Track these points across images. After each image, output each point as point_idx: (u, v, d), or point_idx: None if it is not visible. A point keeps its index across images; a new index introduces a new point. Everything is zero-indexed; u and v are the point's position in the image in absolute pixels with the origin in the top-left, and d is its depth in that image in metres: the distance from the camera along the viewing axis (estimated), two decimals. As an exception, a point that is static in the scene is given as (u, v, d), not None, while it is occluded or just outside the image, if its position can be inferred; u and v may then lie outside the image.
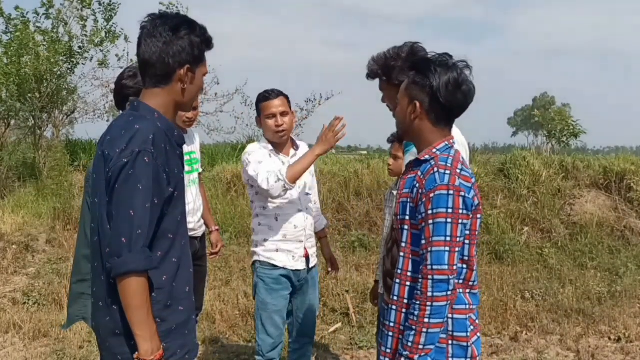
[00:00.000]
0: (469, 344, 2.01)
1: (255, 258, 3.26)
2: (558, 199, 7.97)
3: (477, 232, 2.04)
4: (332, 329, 5.03)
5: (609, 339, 4.98)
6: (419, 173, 2.04)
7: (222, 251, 4.02)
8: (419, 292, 1.94)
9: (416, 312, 1.93)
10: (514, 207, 7.76)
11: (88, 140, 10.80)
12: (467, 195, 1.95)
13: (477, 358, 2.04)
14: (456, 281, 1.97)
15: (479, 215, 2.04)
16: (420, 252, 1.98)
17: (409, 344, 1.94)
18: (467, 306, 2.03)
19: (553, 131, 11.73)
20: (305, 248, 3.25)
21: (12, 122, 9.84)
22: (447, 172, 1.96)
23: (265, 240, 3.20)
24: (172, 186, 1.85)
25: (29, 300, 5.52)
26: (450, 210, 1.92)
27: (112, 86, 10.01)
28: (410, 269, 2.03)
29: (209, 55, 1.97)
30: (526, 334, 5.06)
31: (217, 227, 3.91)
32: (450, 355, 1.99)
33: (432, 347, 1.94)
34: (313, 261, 3.32)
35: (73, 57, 9.47)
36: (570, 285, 6.09)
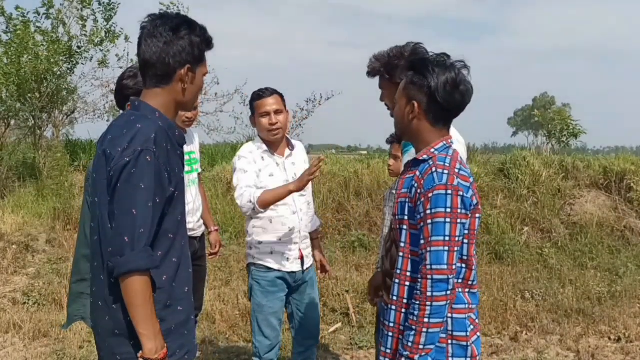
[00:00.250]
0: (469, 343, 2.01)
1: (250, 260, 3.24)
2: (558, 199, 7.98)
3: (476, 232, 2.04)
4: (332, 329, 5.03)
5: (609, 339, 4.98)
6: (418, 173, 2.04)
7: (221, 251, 4.02)
8: (418, 292, 1.94)
9: (416, 312, 1.93)
10: (514, 207, 7.76)
11: (88, 140, 10.82)
12: (465, 194, 1.96)
13: (477, 357, 2.04)
14: (455, 281, 1.97)
15: (477, 215, 2.04)
16: (419, 252, 1.98)
17: (409, 344, 1.94)
18: (467, 306, 2.03)
19: (553, 131, 11.72)
20: (299, 249, 3.23)
21: (12, 122, 9.85)
22: (446, 171, 1.96)
23: (260, 242, 3.18)
24: (172, 186, 1.85)
25: (29, 300, 5.52)
26: (448, 210, 1.92)
27: (112, 86, 10.06)
28: (409, 268, 2.03)
29: (209, 55, 1.97)
30: (526, 334, 5.06)
31: (216, 228, 3.90)
32: (450, 354, 1.99)
33: (432, 346, 1.94)
34: (308, 262, 3.31)
35: (73, 57, 9.48)
36: (570, 285, 6.09)
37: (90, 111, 10.81)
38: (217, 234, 3.87)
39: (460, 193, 1.94)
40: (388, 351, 2.08)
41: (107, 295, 1.84)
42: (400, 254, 2.06)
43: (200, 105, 10.17)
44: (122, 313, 1.81)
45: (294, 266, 3.21)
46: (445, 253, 1.91)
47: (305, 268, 3.27)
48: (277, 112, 3.16)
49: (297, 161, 3.30)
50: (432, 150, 2.06)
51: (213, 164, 9.64)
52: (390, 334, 2.07)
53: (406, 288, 2.02)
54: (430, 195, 1.94)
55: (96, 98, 12.29)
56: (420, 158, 2.07)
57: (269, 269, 3.17)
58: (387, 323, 2.09)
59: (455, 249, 1.94)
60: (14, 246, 6.51)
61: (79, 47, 9.53)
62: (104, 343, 1.90)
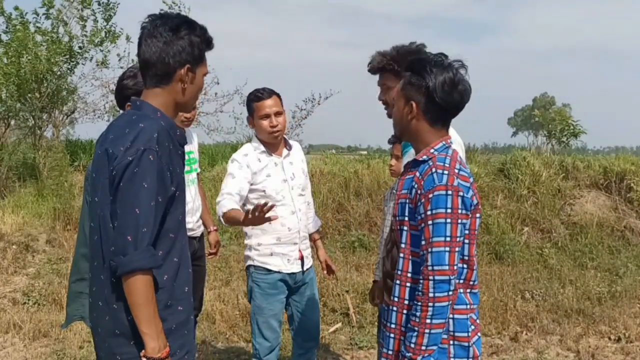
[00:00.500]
0: (470, 344, 2.01)
1: (250, 263, 3.21)
2: (558, 199, 7.98)
3: (476, 232, 2.04)
4: (332, 329, 5.03)
5: (609, 339, 4.98)
6: (417, 174, 2.03)
7: (221, 251, 4.00)
8: (420, 293, 1.94)
9: (418, 313, 1.93)
10: (514, 207, 7.76)
11: (88, 140, 10.81)
12: (465, 195, 1.95)
13: (479, 358, 2.04)
14: (457, 281, 1.97)
15: (478, 215, 2.04)
16: (420, 253, 1.98)
17: (412, 345, 1.94)
18: (468, 306, 2.03)
19: (553, 131, 11.71)
20: (299, 250, 3.21)
21: (12, 122, 9.84)
22: (445, 172, 1.96)
23: (259, 244, 3.16)
24: (174, 185, 1.85)
25: (29, 300, 5.52)
26: (449, 211, 1.92)
27: (112, 86, 10.05)
28: (410, 269, 2.03)
29: (209, 55, 1.97)
30: (526, 334, 5.06)
31: (215, 228, 3.88)
32: (452, 355, 1.99)
33: (434, 347, 1.94)
34: (308, 263, 3.29)
35: (73, 57, 9.48)
36: (570, 285, 6.09)
37: (90, 111, 10.80)
38: (216, 234, 3.86)
39: (461, 193, 1.94)
40: (390, 352, 2.07)
41: (107, 294, 1.84)
42: (401, 255, 2.05)
43: (200, 105, 10.19)
44: (122, 313, 1.81)
45: (294, 267, 3.19)
46: (447, 254, 1.91)
47: (305, 269, 3.26)
48: (277, 114, 3.14)
49: (294, 161, 3.29)
50: (432, 150, 2.06)
51: (213, 164, 9.64)
52: (392, 335, 2.07)
53: (407, 289, 2.02)
54: (430, 196, 1.94)
55: (96, 98, 12.28)
56: (420, 159, 2.07)
57: (269, 271, 3.15)
58: (388, 324, 2.09)
59: (457, 249, 1.93)
60: (14, 246, 6.51)
61: (80, 48, 9.53)
62: (103, 343, 1.90)
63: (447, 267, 1.91)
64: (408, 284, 2.02)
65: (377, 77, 2.77)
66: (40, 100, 9.15)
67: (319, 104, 10.38)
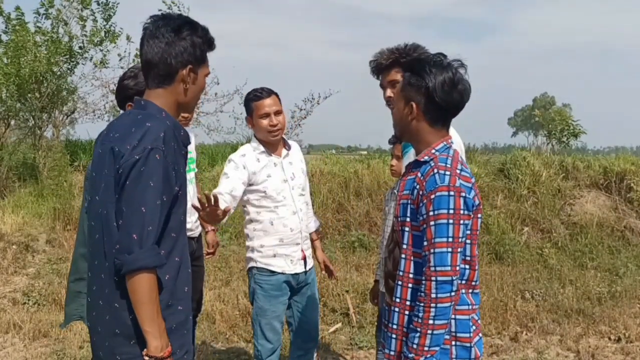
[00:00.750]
0: (472, 344, 2.01)
1: (252, 264, 3.19)
2: (558, 199, 7.98)
3: (477, 232, 2.04)
4: (332, 329, 5.03)
5: (609, 339, 4.98)
6: (419, 174, 2.03)
7: (219, 251, 3.99)
8: (422, 293, 1.93)
9: (420, 314, 1.93)
10: (514, 207, 7.76)
11: (88, 140, 10.79)
12: (467, 195, 1.95)
13: (480, 358, 2.04)
14: (459, 282, 1.97)
15: (479, 215, 2.04)
16: (422, 254, 1.98)
17: (414, 346, 1.94)
18: (470, 306, 2.03)
19: (553, 131, 11.70)
20: (302, 250, 3.21)
21: (12, 122, 9.84)
22: (447, 172, 1.96)
23: (262, 245, 3.14)
24: (178, 185, 1.86)
25: (29, 300, 5.52)
26: (451, 211, 1.92)
27: (112, 86, 10.04)
28: (412, 270, 2.02)
29: (210, 56, 1.98)
30: (526, 334, 5.06)
31: (213, 228, 3.87)
32: (454, 356, 2.00)
33: (437, 348, 1.95)
34: (310, 263, 3.28)
35: (73, 57, 9.48)
36: (570, 285, 6.09)
37: (90, 111, 10.78)
38: (213, 234, 3.85)
39: (463, 194, 1.94)
40: (392, 353, 2.07)
41: (108, 294, 1.84)
42: (403, 255, 2.05)
43: (200, 105, 10.18)
44: (123, 312, 1.81)
45: (297, 268, 3.19)
46: (449, 254, 1.91)
47: (307, 269, 3.25)
48: (276, 113, 3.14)
49: (294, 160, 3.28)
50: (433, 151, 2.06)
51: (213, 164, 9.63)
52: (394, 336, 2.07)
53: (409, 290, 2.02)
54: (432, 196, 1.94)
55: (96, 98, 12.26)
56: (422, 159, 2.07)
57: (273, 272, 3.14)
58: (390, 325, 2.09)
59: (459, 250, 1.93)
60: (14, 246, 6.51)
61: (80, 48, 9.53)
62: (103, 342, 1.89)
63: (449, 268, 1.91)
64: (410, 285, 2.02)
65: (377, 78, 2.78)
66: (40, 100, 9.15)
67: (318, 104, 10.37)
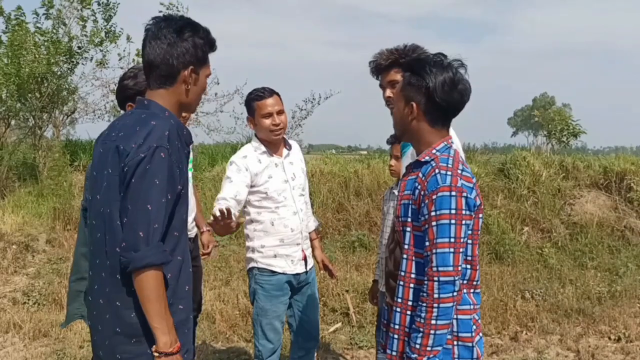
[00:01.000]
0: (474, 344, 2.02)
1: (253, 265, 3.19)
2: (558, 199, 7.97)
3: (479, 232, 2.04)
4: (332, 329, 5.03)
5: (609, 338, 4.98)
6: (420, 175, 2.03)
7: (218, 251, 3.97)
8: (424, 294, 1.94)
9: (423, 314, 1.93)
10: (514, 207, 7.76)
11: (88, 140, 10.80)
12: (469, 195, 1.96)
13: (481, 358, 2.05)
14: (461, 282, 1.97)
15: (480, 215, 2.04)
16: (423, 254, 1.98)
17: (417, 346, 1.94)
18: (471, 306, 2.03)
19: (553, 131, 11.71)
20: (302, 250, 3.21)
21: (12, 122, 9.85)
22: (449, 173, 1.96)
23: (263, 246, 3.14)
24: (181, 184, 1.87)
25: (29, 300, 5.52)
26: (453, 212, 1.92)
27: (112, 86, 10.04)
28: (413, 270, 2.02)
29: (211, 56, 1.99)
30: (526, 333, 5.06)
31: (208, 228, 3.86)
32: (456, 356, 2.00)
33: (439, 348, 1.95)
34: (311, 262, 3.29)
35: (73, 57, 9.48)
36: (570, 285, 6.09)
37: (90, 111, 10.79)
38: (209, 234, 3.83)
39: (464, 194, 1.94)
40: (394, 354, 2.07)
41: (109, 292, 1.85)
42: (404, 255, 2.05)
43: (199, 105, 10.16)
44: (124, 311, 1.82)
45: (298, 267, 3.19)
46: (451, 255, 1.91)
47: (308, 269, 3.26)
48: (279, 112, 3.13)
49: (294, 161, 3.28)
50: (434, 151, 2.06)
51: (213, 164, 9.64)
52: (396, 336, 2.07)
53: (411, 290, 2.02)
54: (434, 197, 1.94)
55: (96, 98, 12.26)
56: (422, 159, 2.07)
57: (273, 272, 3.14)
58: (392, 325, 2.09)
59: (461, 250, 1.94)
60: (14, 246, 6.51)
61: (79, 47, 9.53)
62: (103, 341, 1.90)
63: (451, 268, 1.91)
64: (412, 285, 2.02)
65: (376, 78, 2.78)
66: (41, 100, 9.16)
67: (319, 104, 10.37)
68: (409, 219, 2.04)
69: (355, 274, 6.16)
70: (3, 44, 9.14)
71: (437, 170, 1.98)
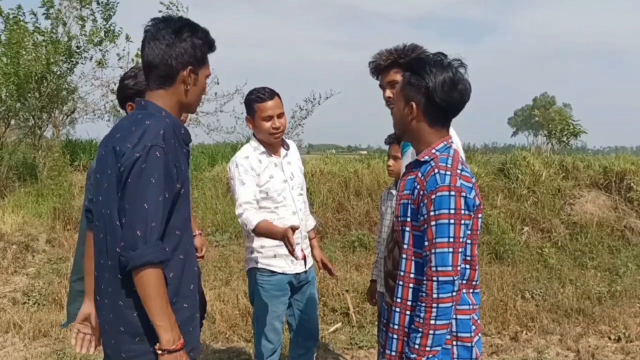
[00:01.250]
0: (473, 344, 2.02)
1: (252, 265, 3.19)
2: (558, 199, 7.97)
3: (478, 232, 2.04)
4: (332, 329, 5.03)
5: (609, 338, 4.98)
6: (420, 174, 2.03)
7: (206, 254, 3.94)
8: (424, 294, 1.94)
9: (422, 314, 1.93)
10: (514, 207, 7.75)
11: (88, 140, 10.81)
12: (468, 195, 1.95)
13: (479, 358, 2.04)
14: (460, 282, 1.97)
15: (480, 215, 2.04)
16: (422, 254, 1.98)
17: (416, 347, 1.94)
18: (471, 306, 2.03)
19: (553, 131, 11.69)
20: (302, 250, 3.19)
21: (12, 122, 9.85)
22: (448, 173, 1.96)
23: (262, 246, 3.14)
24: (179, 182, 1.87)
25: (29, 300, 5.52)
26: (452, 212, 1.92)
27: (112, 86, 10.03)
28: (412, 270, 2.02)
29: (210, 55, 1.99)
30: (526, 333, 5.06)
31: (199, 232, 3.83)
32: (455, 356, 2.00)
33: (439, 348, 1.95)
34: (310, 262, 3.29)
35: (72, 57, 9.48)
36: (570, 285, 6.09)
37: (90, 111, 10.80)
38: (201, 237, 3.81)
39: (463, 194, 1.94)
40: (393, 354, 2.07)
41: (112, 292, 1.86)
42: (403, 255, 2.05)
43: (199, 105, 10.14)
44: (126, 310, 1.83)
45: (298, 267, 3.19)
46: (450, 254, 1.91)
47: (307, 268, 3.26)
48: (279, 115, 3.12)
49: (292, 160, 3.29)
50: (433, 151, 2.06)
51: (213, 164, 9.63)
52: (395, 336, 2.06)
53: (410, 290, 2.02)
54: (433, 196, 1.94)
55: (96, 98, 12.31)
56: (422, 159, 2.07)
57: (273, 272, 3.14)
58: (391, 325, 2.08)
59: (460, 250, 1.93)
60: (14, 246, 6.51)
61: (78, 47, 9.53)
62: (109, 341, 1.92)
63: (450, 268, 1.91)
64: (411, 285, 2.02)
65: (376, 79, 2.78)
66: (40, 100, 9.16)
67: (319, 104, 10.38)
68: (408, 219, 2.04)
69: (355, 274, 6.16)
70: (2, 43, 9.13)
71: (436, 170, 1.98)
